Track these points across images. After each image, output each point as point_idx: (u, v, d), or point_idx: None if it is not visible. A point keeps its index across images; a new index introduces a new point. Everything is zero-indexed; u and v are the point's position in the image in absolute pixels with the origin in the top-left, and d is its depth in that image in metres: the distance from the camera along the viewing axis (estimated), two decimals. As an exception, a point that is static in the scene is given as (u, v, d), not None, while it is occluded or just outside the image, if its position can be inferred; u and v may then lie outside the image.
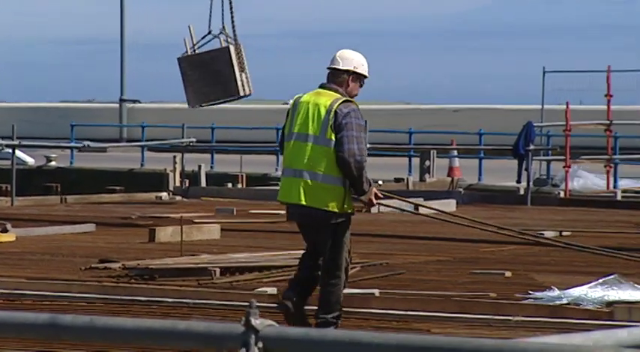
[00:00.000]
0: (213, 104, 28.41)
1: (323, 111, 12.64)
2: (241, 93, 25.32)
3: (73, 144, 44.63)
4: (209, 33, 25.16)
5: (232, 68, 24.49)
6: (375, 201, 13.17)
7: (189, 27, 25.54)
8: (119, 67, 61.10)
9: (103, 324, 4.49)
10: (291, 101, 13.28)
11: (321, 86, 12.96)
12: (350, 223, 12.91)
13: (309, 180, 12.79)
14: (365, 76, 13.15)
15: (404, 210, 19.70)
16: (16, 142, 35.49)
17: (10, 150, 34.97)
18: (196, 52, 25.41)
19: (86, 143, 44.70)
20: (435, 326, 13.23)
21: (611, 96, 35.76)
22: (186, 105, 31.79)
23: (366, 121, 12.85)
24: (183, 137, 39.59)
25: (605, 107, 35.91)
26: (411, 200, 22.61)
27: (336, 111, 12.64)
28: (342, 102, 12.75)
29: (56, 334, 4.11)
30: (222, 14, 25.06)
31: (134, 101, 62.07)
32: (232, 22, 24.99)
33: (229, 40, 24.89)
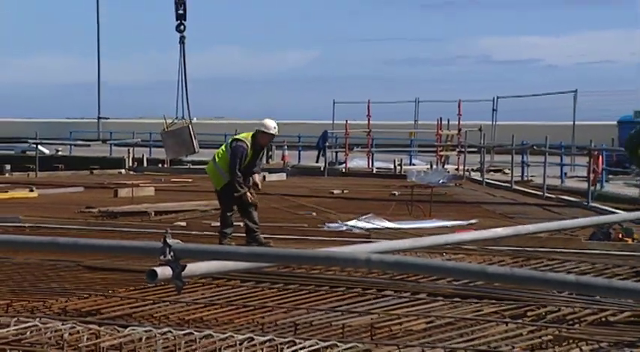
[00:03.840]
0: (183, 156, 28.79)
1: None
2: (196, 151, 25.82)
3: (71, 142, 44.17)
4: (176, 118, 25.05)
5: (191, 138, 24.84)
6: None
7: (164, 116, 26.01)
8: (96, 98, 60.86)
9: (84, 243, 4.40)
10: None
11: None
12: (227, 193, 12.82)
13: (214, 169, 13.17)
14: (265, 133, 12.87)
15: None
16: (38, 141, 35.41)
17: (35, 146, 34.94)
18: (170, 128, 25.53)
19: (78, 141, 44.08)
20: (273, 243, 13.23)
21: (370, 116, 36.39)
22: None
23: (243, 149, 12.71)
24: (133, 138, 39.47)
25: (367, 122, 36.45)
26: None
27: (230, 142, 12.97)
28: (235, 139, 12.98)
29: (55, 248, 4.00)
30: (182, 101, 25.10)
31: (106, 118, 61.47)
32: (188, 109, 24.94)
33: (186, 121, 24.89)
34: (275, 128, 12.93)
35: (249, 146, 12.73)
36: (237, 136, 13.26)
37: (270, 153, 36.17)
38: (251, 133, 12.94)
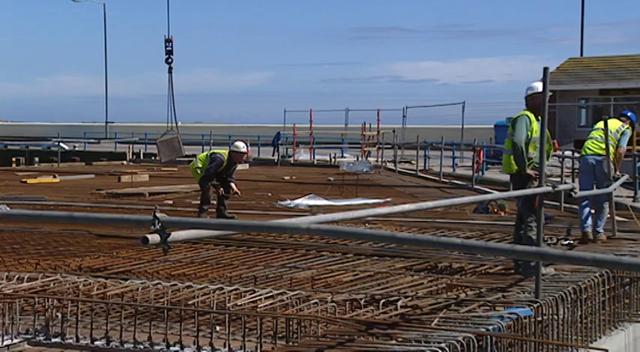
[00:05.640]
0: (173, 160, 28.29)
1: None
2: (183, 154, 25.39)
3: (85, 140, 43.52)
4: (167, 130, 24.64)
5: (180, 145, 24.47)
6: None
7: (158, 134, 25.59)
8: (104, 107, 59.80)
9: (94, 216, 4.33)
10: None
11: None
12: (204, 182, 12.66)
13: (195, 168, 12.90)
14: (237, 152, 12.69)
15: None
16: (60, 139, 34.90)
17: (57, 143, 34.42)
18: (163, 138, 25.10)
19: (90, 139, 43.34)
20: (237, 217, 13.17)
21: (312, 121, 36.26)
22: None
23: (220, 160, 12.48)
24: (133, 137, 38.96)
25: (309, 125, 36.32)
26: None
27: (211, 153, 12.84)
28: (215, 152, 12.86)
29: (72, 220, 3.94)
30: (172, 115, 24.57)
31: (112, 122, 60.45)
32: (175, 121, 24.49)
33: (175, 132, 24.48)
34: (244, 147, 12.93)
35: (225, 159, 12.74)
36: (217, 150, 13.20)
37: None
38: (228, 151, 12.93)
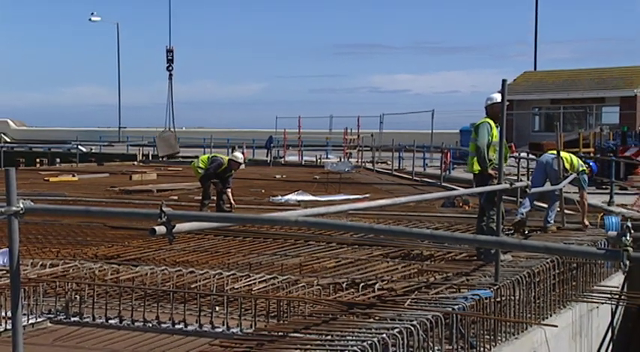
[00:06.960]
0: (169, 156, 28.03)
1: None
2: (178, 151, 25.09)
3: (100, 143, 43.27)
4: (165, 129, 24.42)
5: (175, 142, 24.23)
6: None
7: (157, 132, 25.39)
8: (117, 114, 59.30)
9: (108, 210, 4.29)
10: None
11: None
12: (204, 180, 12.42)
13: (197, 168, 12.57)
14: (234, 161, 12.39)
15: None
16: (78, 143, 34.73)
17: (76, 146, 34.18)
18: (161, 135, 24.82)
19: (105, 142, 43.02)
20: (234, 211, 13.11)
21: (300, 126, 36.24)
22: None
23: (220, 163, 12.18)
24: (142, 141, 38.71)
25: (298, 130, 36.28)
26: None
27: (213, 156, 12.56)
28: (216, 155, 12.62)
29: (89, 214, 3.91)
30: (169, 117, 24.38)
31: (124, 127, 59.88)
32: (173, 121, 24.30)
33: (172, 130, 24.24)
34: (241, 159, 12.80)
35: (224, 162, 12.59)
36: (218, 155, 13.06)
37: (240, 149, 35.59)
38: (227, 157, 12.78)
